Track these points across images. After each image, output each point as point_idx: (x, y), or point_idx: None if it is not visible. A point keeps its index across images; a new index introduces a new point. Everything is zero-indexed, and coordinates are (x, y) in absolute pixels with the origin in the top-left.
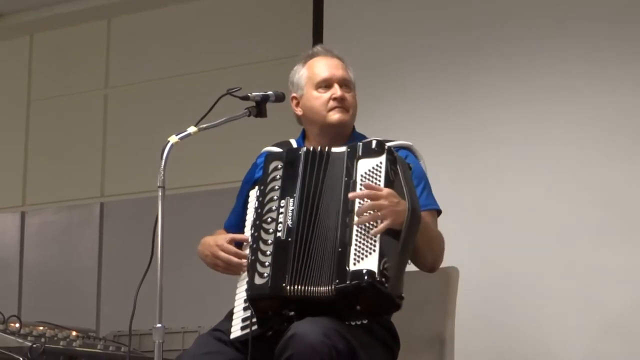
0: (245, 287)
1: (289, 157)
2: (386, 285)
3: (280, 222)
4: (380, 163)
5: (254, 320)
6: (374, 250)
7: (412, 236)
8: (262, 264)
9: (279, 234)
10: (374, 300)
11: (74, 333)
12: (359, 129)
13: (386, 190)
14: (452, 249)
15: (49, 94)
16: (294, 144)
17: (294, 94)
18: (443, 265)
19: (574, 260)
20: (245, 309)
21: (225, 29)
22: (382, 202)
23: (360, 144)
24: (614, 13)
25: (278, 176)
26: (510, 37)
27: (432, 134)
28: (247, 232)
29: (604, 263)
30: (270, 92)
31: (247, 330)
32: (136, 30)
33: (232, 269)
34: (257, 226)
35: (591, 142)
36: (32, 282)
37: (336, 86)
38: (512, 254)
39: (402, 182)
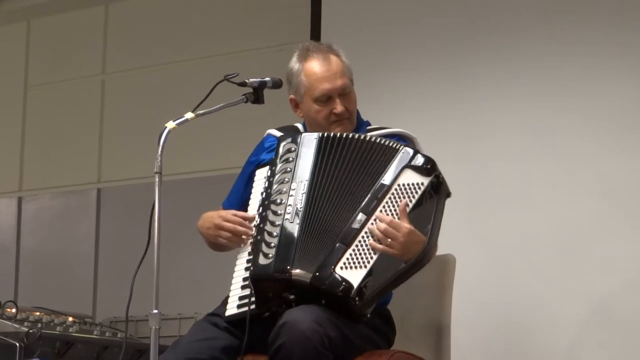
0: (244, 265)
1: (304, 141)
2: (357, 302)
3: (290, 205)
4: (422, 184)
5: (253, 299)
6: (365, 266)
7: (411, 274)
8: (268, 245)
9: (287, 217)
10: (340, 306)
11: (70, 319)
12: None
13: (409, 228)
14: (449, 236)
15: (46, 79)
16: (301, 129)
17: (292, 96)
18: (440, 252)
19: (569, 250)
20: (243, 287)
21: (223, 16)
22: (399, 235)
23: (417, 154)
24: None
25: (291, 159)
26: (510, 27)
27: (430, 122)
28: (252, 210)
29: (598, 251)
30: (267, 79)
31: (244, 309)
32: (133, 17)
33: (236, 240)
34: (266, 206)
35: (590, 133)
36: (28, 267)
37: (337, 100)
38: (509, 241)
39: (433, 212)
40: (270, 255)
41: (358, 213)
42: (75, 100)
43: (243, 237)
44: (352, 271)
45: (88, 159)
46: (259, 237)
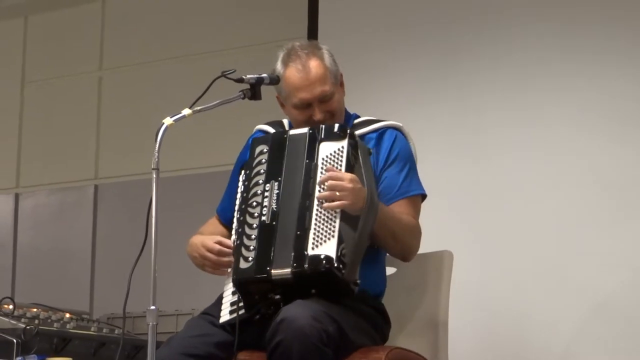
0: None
1: (274, 141)
2: (343, 271)
3: (265, 206)
4: (342, 147)
5: (241, 304)
6: (333, 236)
7: (370, 223)
8: (247, 248)
9: (263, 218)
10: (330, 285)
11: (67, 315)
12: (354, 110)
13: (349, 175)
14: (446, 232)
15: (43, 75)
16: (286, 125)
17: (277, 95)
18: (437, 248)
19: (566, 244)
20: (234, 293)
21: (220, 11)
22: (344, 184)
23: (323, 126)
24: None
25: (263, 160)
26: (505, 23)
27: (427, 116)
28: (236, 215)
29: (595, 246)
30: (264, 75)
31: (235, 315)
32: (131, 12)
33: (220, 271)
34: (243, 210)
35: (586, 126)
36: (25, 264)
37: (316, 108)
38: (506, 237)
39: (362, 169)
40: (250, 259)
41: (302, 197)
42: (73, 97)
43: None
44: (323, 246)
45: (85, 155)
46: (238, 242)
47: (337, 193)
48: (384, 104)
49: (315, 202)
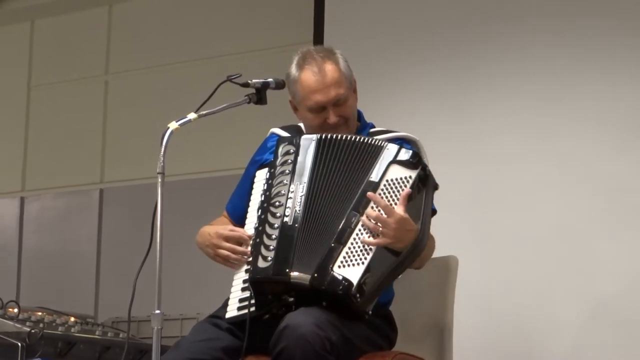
0: (244, 267)
1: (303, 143)
2: (358, 300)
3: (289, 207)
4: (410, 177)
5: (252, 301)
6: (363, 262)
7: (407, 264)
8: (267, 248)
9: (286, 219)
10: (340, 306)
11: (72, 319)
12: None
13: (399, 215)
14: (451, 238)
15: (49, 80)
16: (304, 129)
17: (291, 99)
18: (442, 254)
19: (569, 250)
20: (243, 289)
21: (226, 16)
22: (391, 222)
23: (402, 149)
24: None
25: (289, 160)
26: (509, 31)
27: (432, 122)
28: (252, 212)
29: (597, 251)
30: (270, 79)
31: (244, 311)
32: (137, 17)
33: (229, 264)
34: (265, 209)
35: (590, 134)
36: (30, 267)
37: (331, 111)
38: (511, 243)
39: (423, 204)
40: (269, 258)
41: (351, 212)
42: (79, 101)
43: (241, 257)
44: (350, 269)
45: (91, 159)
46: (257, 240)
47: (380, 229)
48: (387, 110)
49: (361, 222)
